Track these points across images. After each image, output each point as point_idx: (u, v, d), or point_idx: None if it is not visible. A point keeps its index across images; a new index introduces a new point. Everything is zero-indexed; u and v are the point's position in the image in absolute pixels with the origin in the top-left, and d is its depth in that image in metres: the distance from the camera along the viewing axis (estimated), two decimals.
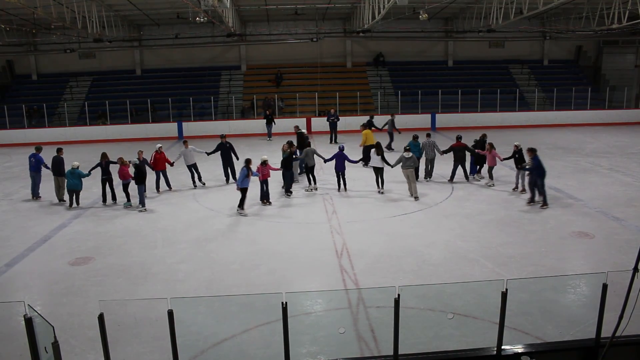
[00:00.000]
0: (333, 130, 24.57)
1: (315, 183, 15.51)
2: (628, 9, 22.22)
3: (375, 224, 12.28)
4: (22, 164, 21.19)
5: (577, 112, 29.82)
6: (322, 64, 32.54)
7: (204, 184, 16.42)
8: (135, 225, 12.54)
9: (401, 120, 28.61)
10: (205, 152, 16.73)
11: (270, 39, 32.24)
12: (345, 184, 15.30)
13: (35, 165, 15.26)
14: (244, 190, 13.15)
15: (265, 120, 26.15)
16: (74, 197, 14.15)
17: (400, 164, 14.38)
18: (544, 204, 13.11)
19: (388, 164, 14.69)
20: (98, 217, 13.32)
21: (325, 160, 15.64)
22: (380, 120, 23.81)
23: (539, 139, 24.28)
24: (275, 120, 26.28)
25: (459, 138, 16.01)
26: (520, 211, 12.94)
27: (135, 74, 32.92)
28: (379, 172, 14.88)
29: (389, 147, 21.23)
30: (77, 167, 14.02)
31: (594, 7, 25.58)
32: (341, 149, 15.18)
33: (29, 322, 4.38)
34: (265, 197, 14.04)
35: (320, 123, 26.94)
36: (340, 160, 15.03)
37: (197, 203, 14.47)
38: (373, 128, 20.57)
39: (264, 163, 13.79)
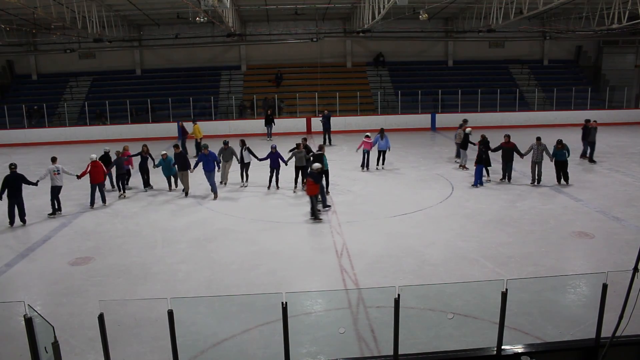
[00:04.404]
0: (326, 132, 24.34)
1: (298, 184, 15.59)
2: (628, 9, 22.22)
3: (375, 224, 12.28)
4: (22, 164, 21.11)
5: (577, 112, 29.73)
6: (322, 64, 32.53)
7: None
8: (135, 225, 12.55)
9: (401, 120, 28.81)
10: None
11: (270, 39, 32.23)
12: (277, 182, 15.71)
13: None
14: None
15: (264, 120, 26.11)
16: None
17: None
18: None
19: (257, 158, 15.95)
20: (98, 217, 13.32)
21: (260, 159, 15.89)
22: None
23: None
24: (275, 120, 26.24)
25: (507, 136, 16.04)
26: (520, 211, 12.93)
27: (135, 74, 32.92)
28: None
29: (591, 159, 18.66)
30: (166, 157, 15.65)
31: (594, 7, 25.58)
32: (274, 148, 15.48)
33: (29, 322, 4.38)
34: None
35: (319, 123, 26.93)
36: (274, 158, 15.42)
37: (197, 203, 14.47)
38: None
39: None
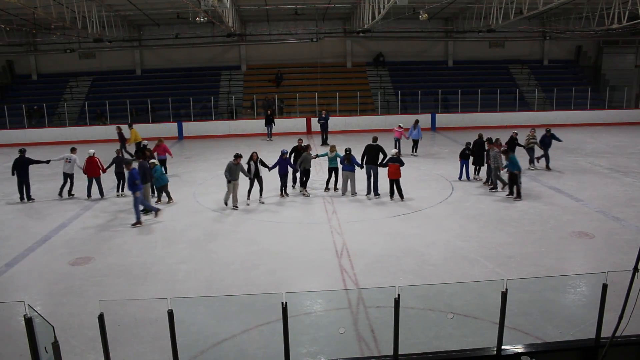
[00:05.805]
0: (324, 132, 24.40)
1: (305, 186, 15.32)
2: (628, 9, 22.24)
3: (375, 224, 12.28)
4: None
5: (577, 112, 29.82)
6: (322, 64, 32.54)
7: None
8: (135, 225, 12.53)
9: (401, 120, 28.70)
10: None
11: (270, 39, 32.25)
12: (286, 189, 14.93)
13: None
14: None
15: (264, 121, 26.11)
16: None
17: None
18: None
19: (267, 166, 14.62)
20: (98, 217, 13.32)
21: (270, 169, 14.61)
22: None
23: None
24: (275, 120, 26.23)
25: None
26: (520, 211, 12.93)
27: (135, 74, 32.93)
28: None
29: None
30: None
31: (594, 7, 25.59)
32: (285, 154, 14.62)
33: (29, 322, 4.38)
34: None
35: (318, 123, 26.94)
36: (283, 164, 14.60)
37: (197, 203, 14.47)
38: None
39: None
